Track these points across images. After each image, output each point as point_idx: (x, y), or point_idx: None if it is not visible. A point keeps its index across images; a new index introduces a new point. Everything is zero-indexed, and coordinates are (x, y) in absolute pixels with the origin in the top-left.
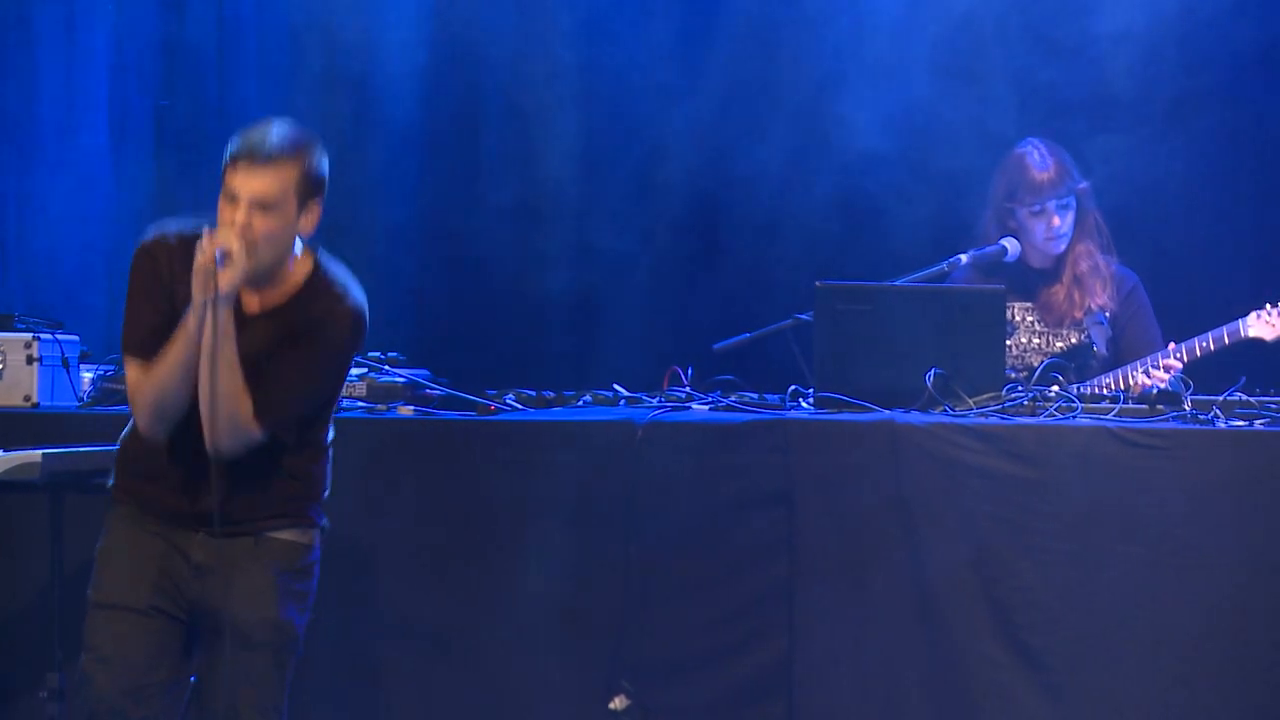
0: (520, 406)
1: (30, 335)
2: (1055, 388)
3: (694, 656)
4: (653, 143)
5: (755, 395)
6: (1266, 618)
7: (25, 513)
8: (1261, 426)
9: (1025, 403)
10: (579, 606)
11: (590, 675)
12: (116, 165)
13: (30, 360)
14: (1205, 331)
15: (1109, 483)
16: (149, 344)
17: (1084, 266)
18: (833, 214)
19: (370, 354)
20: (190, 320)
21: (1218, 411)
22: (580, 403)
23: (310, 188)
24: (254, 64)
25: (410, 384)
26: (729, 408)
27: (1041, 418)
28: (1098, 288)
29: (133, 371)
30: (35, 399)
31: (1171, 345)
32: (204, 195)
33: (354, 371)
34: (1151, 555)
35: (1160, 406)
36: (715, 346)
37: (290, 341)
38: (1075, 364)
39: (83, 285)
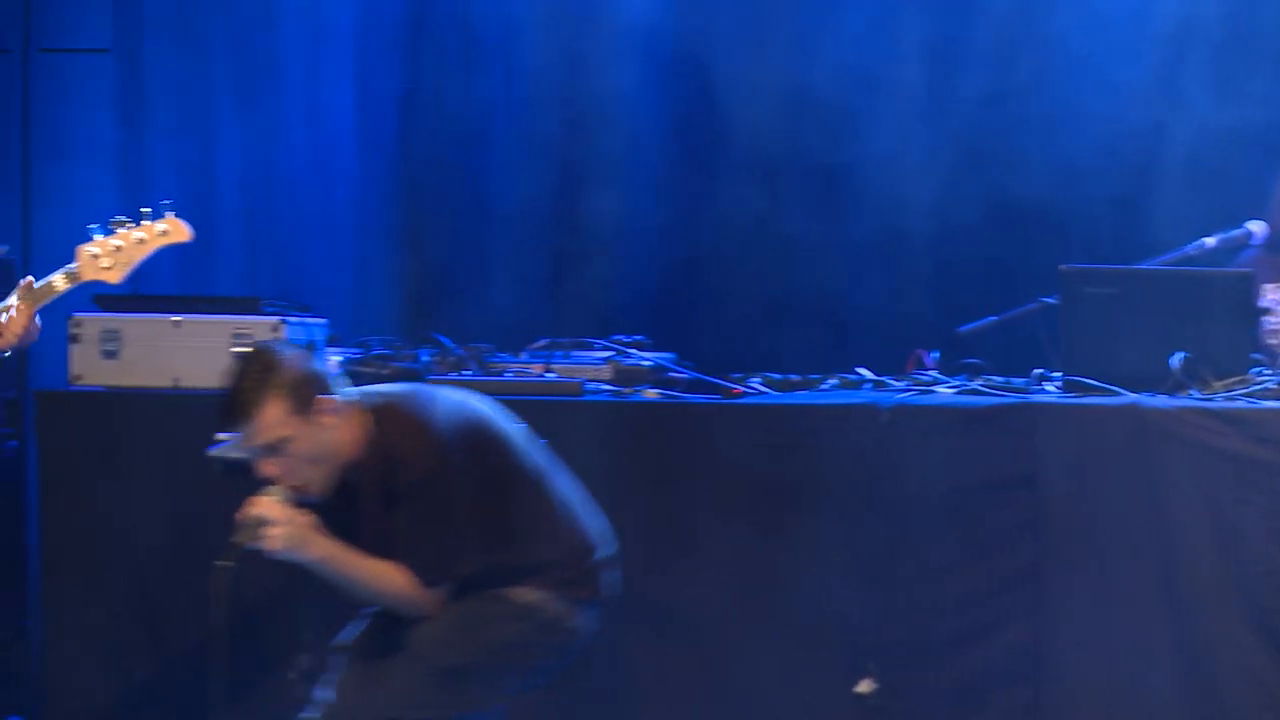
0: (766, 390)
1: (277, 318)
2: None
3: (940, 640)
4: (894, 129)
5: (1001, 379)
6: None
7: None
8: None
9: (1273, 386)
10: (824, 590)
11: (835, 659)
12: (362, 149)
13: None
14: None
15: None
16: None
17: None
18: (1077, 197)
19: (616, 338)
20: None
21: None
22: (825, 386)
23: (308, 400)
24: (498, 49)
25: (656, 367)
26: (974, 391)
27: None
28: None
29: None
30: None
31: None
32: (448, 183)
33: (600, 355)
34: None
35: None
36: (961, 330)
37: (397, 505)
38: None
39: (330, 268)
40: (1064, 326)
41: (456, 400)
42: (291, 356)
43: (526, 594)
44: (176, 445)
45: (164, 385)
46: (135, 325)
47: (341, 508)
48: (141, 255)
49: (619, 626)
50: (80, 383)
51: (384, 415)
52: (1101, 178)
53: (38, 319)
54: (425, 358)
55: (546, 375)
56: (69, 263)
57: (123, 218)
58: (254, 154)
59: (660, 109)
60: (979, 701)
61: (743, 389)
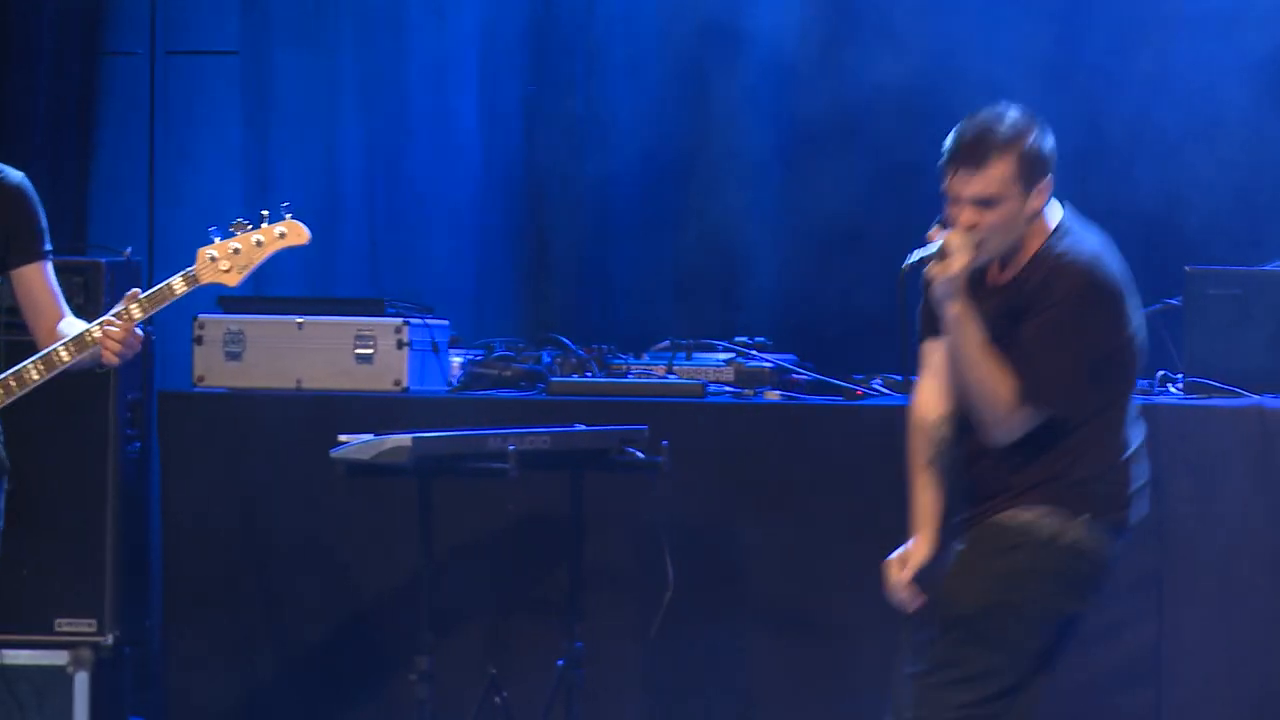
0: (887, 391)
1: (400, 320)
2: None
3: None
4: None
5: None
6: None
7: (395, 497)
8: None
9: None
10: None
11: None
12: (486, 151)
13: (400, 345)
14: None
15: None
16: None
17: None
18: (1198, 198)
19: (738, 339)
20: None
21: None
22: None
23: (1033, 174)
24: (622, 49)
25: (777, 369)
26: None
27: None
28: None
29: None
30: (405, 384)
31: None
32: (570, 185)
33: (722, 356)
34: None
35: None
36: None
37: (1020, 317)
38: None
39: (453, 270)
40: (1187, 328)
41: (1129, 278)
42: (1036, 130)
43: (1022, 514)
44: (299, 447)
45: (287, 387)
46: (259, 327)
47: (982, 293)
48: (260, 258)
49: (745, 629)
50: (204, 384)
51: (1069, 232)
52: (1222, 179)
53: (139, 330)
54: (547, 359)
55: (668, 377)
56: (190, 266)
57: (242, 220)
58: (378, 156)
59: (781, 113)
60: (1101, 703)
61: (864, 390)
